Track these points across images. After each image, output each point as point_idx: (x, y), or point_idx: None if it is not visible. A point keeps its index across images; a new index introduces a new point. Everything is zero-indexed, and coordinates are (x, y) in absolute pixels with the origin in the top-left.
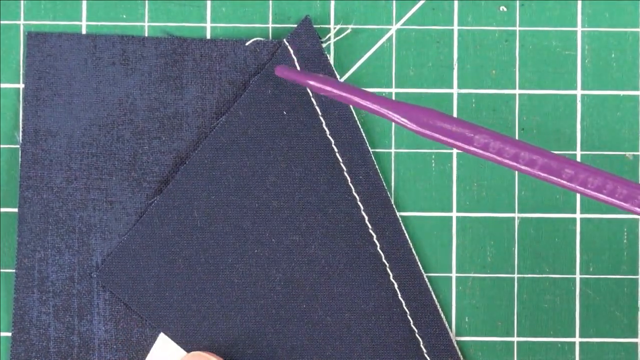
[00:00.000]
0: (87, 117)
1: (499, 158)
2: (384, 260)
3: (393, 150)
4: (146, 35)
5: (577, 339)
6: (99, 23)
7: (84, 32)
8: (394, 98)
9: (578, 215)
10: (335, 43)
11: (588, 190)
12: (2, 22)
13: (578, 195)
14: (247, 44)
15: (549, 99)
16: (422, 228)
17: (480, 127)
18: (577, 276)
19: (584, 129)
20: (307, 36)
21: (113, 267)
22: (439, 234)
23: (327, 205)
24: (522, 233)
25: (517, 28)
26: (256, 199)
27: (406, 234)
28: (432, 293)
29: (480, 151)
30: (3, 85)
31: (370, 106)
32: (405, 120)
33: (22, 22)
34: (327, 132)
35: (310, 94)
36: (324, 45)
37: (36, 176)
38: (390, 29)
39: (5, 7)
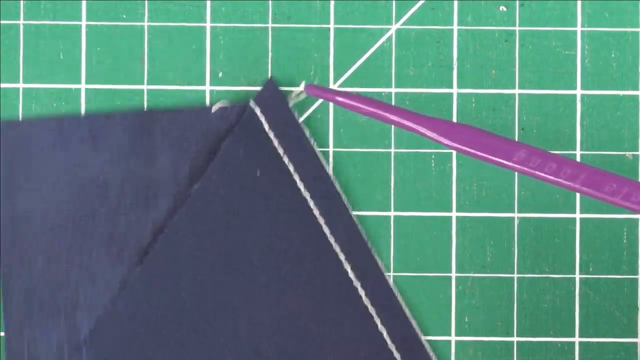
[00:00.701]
0: (62, 197)
1: (540, 174)
2: (370, 307)
3: (393, 150)
4: (145, 37)
5: (576, 339)
6: (99, 23)
7: (84, 31)
8: (393, 98)
9: (578, 215)
10: (335, 43)
11: (631, 205)
12: (1, 21)
13: (578, 195)
14: (212, 111)
15: (548, 98)
16: (422, 228)
17: (519, 142)
18: (577, 276)
19: (584, 129)
20: (273, 97)
21: (99, 340)
22: (438, 234)
23: (308, 260)
24: (522, 233)
25: (517, 28)
26: (237, 261)
27: (387, 279)
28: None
29: (519, 167)
30: (3, 85)
31: (405, 123)
32: (444, 139)
33: (21, 21)
34: (302, 189)
35: (281, 152)
36: (290, 104)
37: (16, 261)
38: (389, 29)
39: (4, 7)
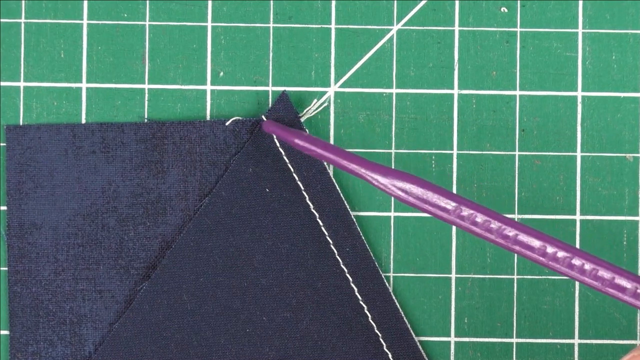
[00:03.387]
0: (71, 207)
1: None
2: (377, 331)
3: (393, 150)
4: (146, 36)
5: (576, 341)
6: (100, 22)
7: (85, 30)
8: (394, 99)
9: (578, 217)
10: (336, 43)
11: (560, 267)
12: (2, 20)
13: (578, 197)
14: (226, 124)
15: (549, 100)
16: (422, 228)
17: (461, 198)
18: None
19: (585, 131)
20: (285, 112)
21: (106, 356)
22: (438, 234)
23: (316, 280)
24: None
25: (518, 29)
26: (244, 278)
27: (396, 302)
28: None
29: (458, 221)
30: (4, 84)
31: (351, 168)
32: (383, 183)
33: (22, 20)
34: (311, 206)
35: (292, 170)
36: (302, 119)
37: (24, 270)
38: (391, 30)
39: (6, 5)
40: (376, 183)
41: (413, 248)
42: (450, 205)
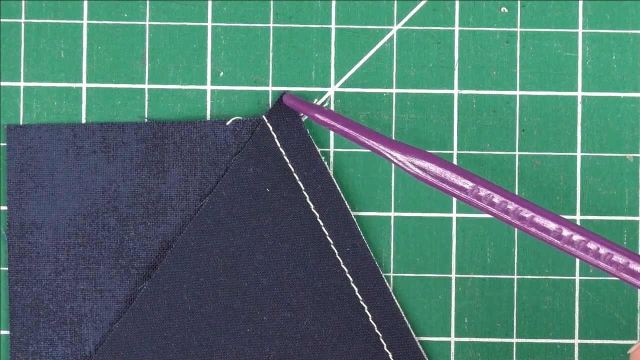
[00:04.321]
0: (72, 207)
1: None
2: (377, 331)
3: None
4: (147, 36)
5: (576, 341)
6: (100, 22)
7: (85, 30)
8: (394, 99)
9: (578, 217)
10: (336, 43)
11: (571, 248)
12: (2, 20)
13: (578, 197)
14: (227, 123)
15: (549, 100)
16: (422, 228)
17: (477, 177)
18: (577, 277)
19: (585, 131)
20: (286, 112)
21: (107, 356)
22: (438, 234)
23: (317, 280)
24: (522, 234)
25: (518, 29)
26: (245, 277)
27: (397, 302)
28: None
29: (475, 200)
30: (4, 84)
31: (370, 144)
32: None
33: (23, 20)
34: (312, 206)
35: (292, 170)
36: (302, 119)
37: (24, 270)
38: (391, 30)
39: (6, 5)
40: (395, 160)
41: (413, 248)
42: (468, 185)
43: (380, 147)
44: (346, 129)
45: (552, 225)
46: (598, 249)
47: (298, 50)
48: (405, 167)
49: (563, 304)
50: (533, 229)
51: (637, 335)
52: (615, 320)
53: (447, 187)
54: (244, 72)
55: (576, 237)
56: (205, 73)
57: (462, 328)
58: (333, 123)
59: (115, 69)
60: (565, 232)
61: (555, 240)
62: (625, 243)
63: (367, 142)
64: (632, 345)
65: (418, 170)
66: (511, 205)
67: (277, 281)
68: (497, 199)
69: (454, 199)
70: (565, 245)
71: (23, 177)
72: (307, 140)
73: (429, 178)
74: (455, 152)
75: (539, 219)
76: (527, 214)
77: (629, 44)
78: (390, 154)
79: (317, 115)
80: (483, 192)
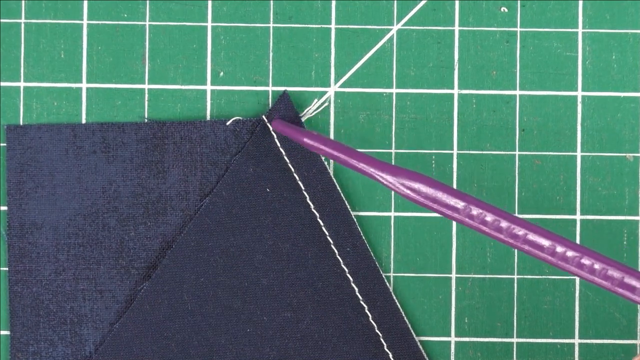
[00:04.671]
0: (72, 207)
1: (486, 230)
2: (377, 331)
3: (393, 150)
4: (147, 36)
5: (576, 340)
6: (100, 22)
7: (85, 30)
8: (394, 99)
9: (578, 217)
10: (336, 43)
11: (566, 264)
12: (2, 20)
13: (578, 197)
14: (227, 123)
15: (549, 100)
16: (422, 228)
17: (470, 197)
18: (577, 277)
19: (585, 130)
20: (286, 112)
21: (107, 356)
22: (439, 234)
23: (317, 280)
24: None
25: (518, 29)
26: (245, 278)
27: (397, 302)
28: None
29: (468, 220)
30: (4, 84)
31: (360, 167)
32: (392, 182)
33: (22, 20)
34: (312, 206)
35: (293, 170)
36: (303, 119)
37: (24, 270)
38: (391, 29)
39: (6, 6)
40: (385, 182)
41: (413, 248)
42: (459, 204)
43: (370, 170)
44: (335, 153)
45: (545, 242)
46: (593, 264)
47: (298, 50)
48: (396, 189)
49: (563, 304)
50: (527, 247)
51: (637, 334)
52: (615, 320)
53: (439, 207)
54: (244, 72)
55: (570, 253)
56: (205, 73)
57: (462, 328)
58: (322, 147)
59: (115, 69)
60: (559, 249)
61: (549, 257)
62: (625, 243)
63: (357, 165)
64: (632, 345)
65: (408, 192)
66: (504, 224)
67: (277, 281)
68: (489, 217)
69: None
70: (559, 262)
71: (23, 177)
72: None
73: (420, 199)
74: (455, 152)
75: (532, 236)
76: (520, 231)
77: (628, 43)
78: (380, 176)
79: (306, 140)
80: (475, 211)
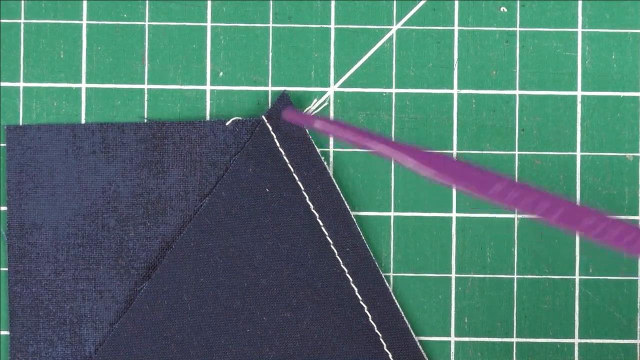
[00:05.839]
0: (71, 207)
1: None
2: (377, 331)
3: None
4: (146, 36)
5: (576, 340)
6: (100, 22)
7: (84, 30)
8: (394, 99)
9: None
10: (336, 43)
11: (608, 241)
12: (2, 20)
13: (578, 197)
14: (226, 124)
15: (549, 99)
16: (422, 228)
17: (497, 175)
18: (577, 277)
19: (584, 130)
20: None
21: (107, 356)
22: (438, 234)
23: (316, 280)
24: (522, 234)
25: (518, 29)
26: (245, 278)
27: (397, 302)
28: None
29: (497, 199)
30: (4, 84)
31: (377, 148)
32: (424, 168)
33: (22, 20)
34: (311, 206)
35: (292, 170)
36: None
37: (24, 270)
38: (390, 29)
39: (5, 6)
40: (406, 165)
41: (413, 248)
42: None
43: (389, 152)
44: (352, 137)
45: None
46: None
47: (298, 50)
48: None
49: (563, 304)
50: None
51: (637, 334)
52: (615, 320)
53: (468, 184)
54: (244, 72)
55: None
56: (205, 73)
57: (462, 328)
58: (338, 132)
59: (114, 69)
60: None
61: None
62: None
63: (375, 147)
64: (632, 345)
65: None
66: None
67: (277, 281)
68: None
69: (454, 199)
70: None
71: (23, 178)
72: (306, 140)
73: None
74: (455, 151)
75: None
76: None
77: (628, 43)
78: (400, 155)
79: (318, 126)
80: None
